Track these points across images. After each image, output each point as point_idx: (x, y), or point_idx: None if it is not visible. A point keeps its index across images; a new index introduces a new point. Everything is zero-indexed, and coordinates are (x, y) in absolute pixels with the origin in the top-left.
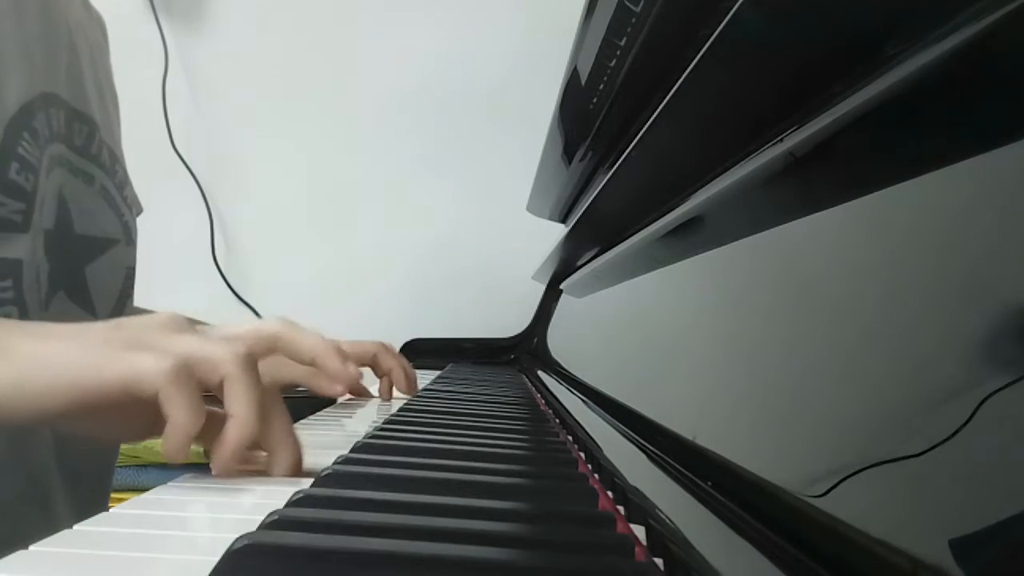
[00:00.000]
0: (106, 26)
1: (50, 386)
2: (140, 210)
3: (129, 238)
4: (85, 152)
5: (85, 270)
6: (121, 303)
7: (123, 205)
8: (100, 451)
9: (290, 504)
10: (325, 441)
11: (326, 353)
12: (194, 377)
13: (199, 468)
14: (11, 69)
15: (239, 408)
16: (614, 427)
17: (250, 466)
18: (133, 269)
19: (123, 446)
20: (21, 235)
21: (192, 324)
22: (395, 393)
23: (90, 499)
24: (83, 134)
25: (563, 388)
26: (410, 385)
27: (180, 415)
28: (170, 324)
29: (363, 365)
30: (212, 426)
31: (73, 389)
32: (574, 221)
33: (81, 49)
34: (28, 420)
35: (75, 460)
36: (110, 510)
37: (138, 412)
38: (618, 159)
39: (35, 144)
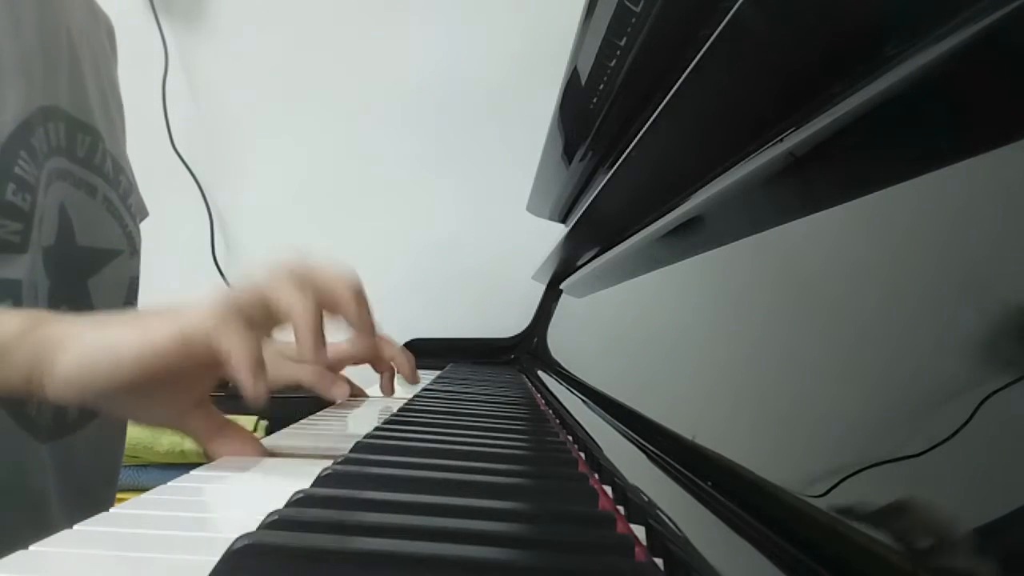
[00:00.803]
0: (113, 27)
1: (116, 361)
2: (146, 214)
3: (133, 248)
4: (88, 163)
5: (88, 283)
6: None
7: (127, 215)
8: (98, 489)
9: (290, 504)
10: (326, 435)
11: (304, 325)
12: (237, 312)
13: (199, 469)
14: (8, 86)
15: (297, 306)
16: (614, 427)
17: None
18: (137, 279)
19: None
20: (20, 255)
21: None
22: (396, 392)
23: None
24: (85, 145)
25: (563, 388)
26: (412, 372)
27: (236, 346)
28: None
29: (363, 361)
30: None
31: (136, 359)
32: (574, 221)
33: (83, 56)
34: (103, 393)
35: (74, 491)
36: (110, 510)
37: (196, 372)
38: (618, 159)
39: (33, 162)
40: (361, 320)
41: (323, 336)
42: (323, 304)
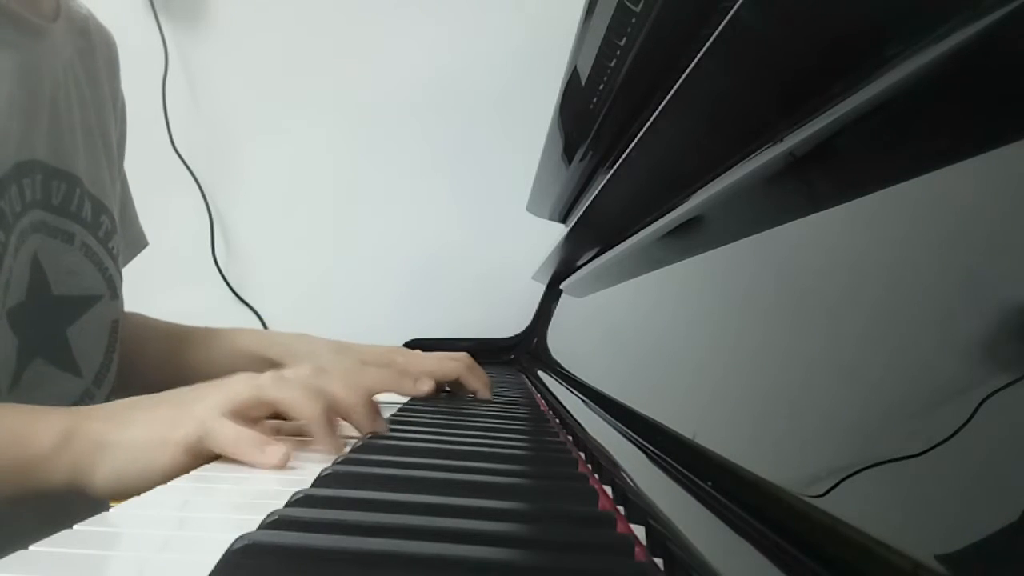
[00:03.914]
0: (115, 44)
1: (146, 471)
2: (144, 245)
3: (114, 292)
4: (63, 211)
5: (67, 332)
6: (108, 357)
7: (107, 258)
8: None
9: (290, 504)
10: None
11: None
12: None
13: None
14: None
15: (300, 408)
16: (614, 427)
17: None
18: (118, 322)
19: None
20: None
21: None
22: (393, 396)
23: None
24: (61, 192)
25: (563, 388)
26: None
27: (248, 455)
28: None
29: (444, 382)
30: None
31: (161, 470)
32: (574, 221)
33: (71, 95)
34: (137, 494)
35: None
36: (110, 510)
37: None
38: (618, 159)
39: (1, 226)
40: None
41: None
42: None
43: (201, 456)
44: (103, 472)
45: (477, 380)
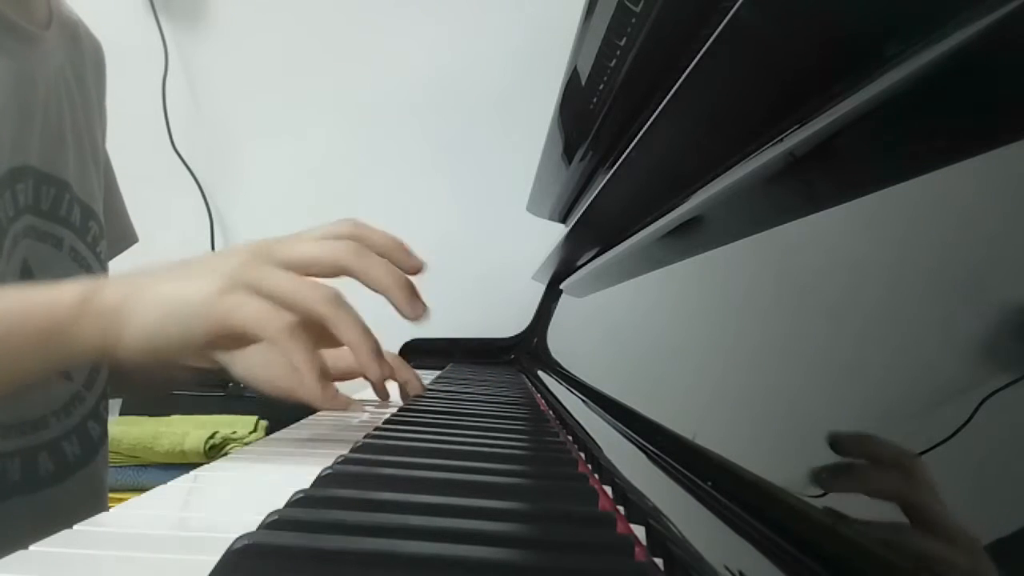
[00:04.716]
0: (103, 53)
1: (186, 330)
2: (134, 241)
3: None
4: (53, 215)
5: None
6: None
7: (95, 263)
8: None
9: (290, 504)
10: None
11: (362, 342)
12: (302, 332)
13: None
14: None
15: (353, 335)
16: (614, 427)
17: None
18: None
19: (123, 446)
20: None
21: (277, 248)
22: (393, 397)
23: None
24: (50, 196)
25: (563, 388)
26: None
27: (304, 361)
28: (265, 255)
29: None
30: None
31: (204, 332)
32: (574, 221)
33: (62, 99)
34: (170, 357)
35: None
36: (110, 510)
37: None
38: (618, 159)
39: None
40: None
41: (380, 351)
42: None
43: (248, 337)
44: (135, 329)
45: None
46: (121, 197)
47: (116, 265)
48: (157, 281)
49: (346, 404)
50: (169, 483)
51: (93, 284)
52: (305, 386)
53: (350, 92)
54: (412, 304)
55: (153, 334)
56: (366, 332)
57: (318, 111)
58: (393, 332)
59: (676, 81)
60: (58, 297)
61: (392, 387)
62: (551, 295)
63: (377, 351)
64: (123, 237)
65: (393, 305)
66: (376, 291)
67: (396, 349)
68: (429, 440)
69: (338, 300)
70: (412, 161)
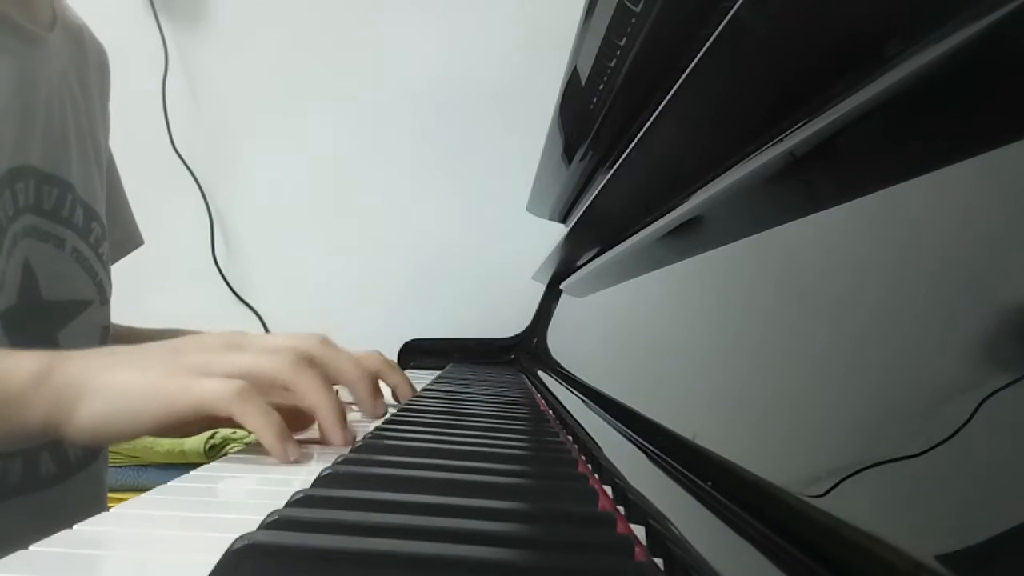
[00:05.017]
0: (107, 57)
1: (135, 417)
2: (139, 243)
3: (103, 297)
4: (55, 216)
5: (58, 336)
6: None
7: (97, 264)
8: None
9: (290, 504)
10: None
11: (361, 380)
12: (258, 392)
13: (197, 469)
14: None
15: (317, 398)
16: (614, 427)
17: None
18: (108, 328)
19: (123, 446)
20: None
21: (238, 338)
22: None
23: None
24: (52, 197)
25: (563, 388)
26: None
27: (261, 424)
28: (222, 343)
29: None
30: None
31: (152, 419)
32: (574, 221)
33: (65, 101)
34: (120, 441)
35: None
36: (110, 510)
37: (204, 421)
38: (618, 159)
39: None
40: (374, 409)
41: (344, 418)
42: (334, 381)
43: (210, 419)
44: (83, 414)
45: (396, 374)
46: (127, 200)
47: (117, 265)
48: (111, 367)
49: (306, 457)
50: (169, 483)
51: (51, 359)
52: (265, 446)
53: (350, 92)
54: (334, 432)
55: (99, 423)
56: (328, 396)
57: (318, 111)
58: (393, 332)
59: (676, 81)
60: (16, 366)
61: (387, 388)
62: (551, 295)
63: (341, 418)
64: (128, 240)
65: (319, 425)
66: (309, 408)
67: (396, 349)
68: (429, 440)
69: (298, 365)
70: (412, 161)
